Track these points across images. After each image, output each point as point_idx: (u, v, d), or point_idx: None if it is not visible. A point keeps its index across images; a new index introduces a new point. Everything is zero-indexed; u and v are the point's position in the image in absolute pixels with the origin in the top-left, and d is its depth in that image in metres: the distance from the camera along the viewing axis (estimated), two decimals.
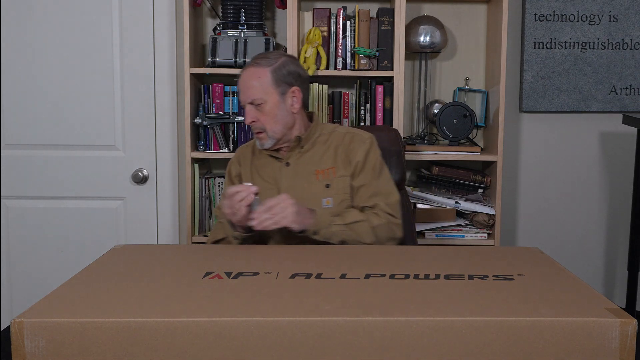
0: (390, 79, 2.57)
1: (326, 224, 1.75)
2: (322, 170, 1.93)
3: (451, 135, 2.60)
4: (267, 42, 2.53)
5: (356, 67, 2.57)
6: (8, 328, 1.27)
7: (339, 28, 2.56)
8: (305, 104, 2.00)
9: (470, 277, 1.26)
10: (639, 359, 1.04)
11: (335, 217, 1.79)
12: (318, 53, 2.53)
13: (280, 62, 1.93)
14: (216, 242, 1.95)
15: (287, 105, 1.93)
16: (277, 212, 1.68)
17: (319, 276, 1.27)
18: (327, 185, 1.91)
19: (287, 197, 1.70)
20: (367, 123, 2.61)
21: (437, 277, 1.27)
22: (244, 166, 2.03)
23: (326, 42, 2.57)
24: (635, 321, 1.03)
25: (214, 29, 2.62)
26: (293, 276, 1.27)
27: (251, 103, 1.90)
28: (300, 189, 1.91)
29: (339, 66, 2.57)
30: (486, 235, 2.58)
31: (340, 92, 2.63)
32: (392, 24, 2.54)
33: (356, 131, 2.01)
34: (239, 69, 2.50)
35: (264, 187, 1.93)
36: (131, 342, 1.04)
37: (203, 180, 2.62)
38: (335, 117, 2.61)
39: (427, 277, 1.27)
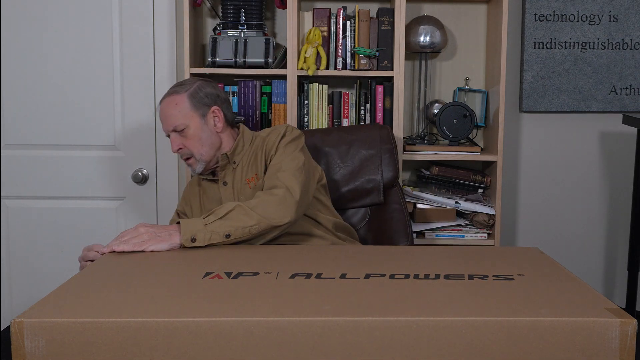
0: (390, 79, 2.57)
1: (200, 227, 1.64)
2: (251, 178, 1.95)
3: (451, 135, 2.60)
4: (267, 42, 2.53)
5: (356, 67, 2.57)
6: (8, 328, 1.27)
7: (339, 28, 2.56)
8: (229, 121, 2.02)
9: (470, 277, 1.26)
10: (639, 359, 1.04)
11: (209, 216, 1.69)
12: (318, 53, 2.53)
13: (195, 86, 1.97)
14: None
15: (210, 127, 1.96)
16: (129, 239, 1.58)
17: (318, 276, 1.27)
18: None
19: (141, 225, 1.63)
20: (367, 123, 2.61)
21: (437, 277, 1.27)
22: (192, 201, 2.07)
23: (326, 42, 2.57)
24: (635, 321, 1.03)
25: (214, 29, 2.62)
26: (293, 276, 1.27)
27: (174, 130, 1.93)
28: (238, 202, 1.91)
29: (339, 66, 2.57)
30: (486, 235, 2.58)
31: (340, 92, 2.63)
32: (392, 24, 2.55)
33: (274, 127, 2.02)
34: (239, 69, 2.52)
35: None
36: (131, 342, 1.04)
37: None
38: (335, 117, 2.61)
39: (427, 277, 1.27)
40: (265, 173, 1.92)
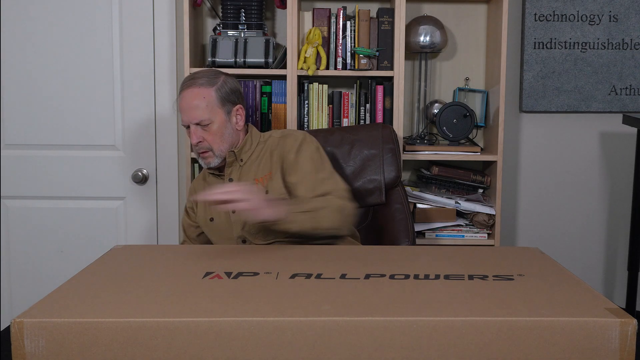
0: (390, 79, 2.57)
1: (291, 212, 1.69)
2: (260, 178, 1.95)
3: (451, 135, 2.60)
4: (267, 42, 2.53)
5: (356, 67, 2.57)
6: (8, 328, 1.27)
7: (339, 28, 2.56)
8: (246, 120, 2.04)
9: (470, 277, 1.26)
10: (639, 359, 1.04)
11: (293, 205, 1.73)
12: (318, 53, 2.53)
13: (222, 80, 1.97)
14: None
15: (232, 124, 1.97)
16: (248, 197, 1.57)
17: (319, 276, 1.27)
18: (267, 192, 1.92)
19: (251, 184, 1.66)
20: (367, 123, 2.61)
21: (437, 277, 1.27)
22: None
23: (326, 42, 2.57)
24: (635, 321, 1.03)
25: (214, 29, 2.62)
26: (293, 276, 1.27)
27: (197, 124, 1.91)
28: None
29: (339, 66, 2.57)
30: (486, 235, 2.58)
31: (340, 92, 2.63)
32: (392, 24, 2.54)
33: (290, 131, 2.03)
34: (239, 69, 2.52)
35: (218, 212, 1.97)
36: (131, 342, 1.04)
37: None
38: (335, 117, 2.61)
39: (427, 277, 1.27)
40: (282, 175, 1.92)
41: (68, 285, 1.23)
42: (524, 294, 1.17)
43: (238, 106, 1.98)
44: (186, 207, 2.13)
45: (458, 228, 2.59)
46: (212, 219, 2.00)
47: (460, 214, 2.64)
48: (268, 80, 2.61)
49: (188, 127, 1.95)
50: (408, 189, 2.60)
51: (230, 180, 1.98)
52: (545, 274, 1.31)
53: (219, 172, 2.03)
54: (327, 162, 1.98)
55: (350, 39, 2.57)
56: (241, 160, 1.99)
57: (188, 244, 2.09)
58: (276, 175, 1.93)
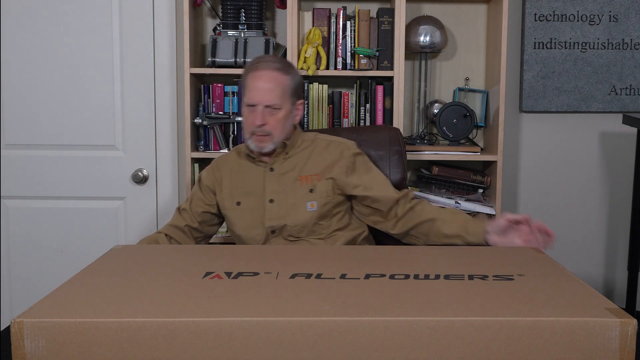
0: (390, 79, 2.57)
1: None
2: (305, 176, 1.96)
3: (451, 135, 2.60)
4: (267, 42, 2.53)
5: (356, 67, 2.57)
6: (8, 328, 1.27)
7: (339, 28, 2.56)
8: None
9: (470, 277, 1.26)
10: (639, 359, 1.04)
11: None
12: (318, 53, 2.53)
13: (294, 71, 1.98)
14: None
15: (292, 116, 1.98)
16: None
17: (318, 276, 1.27)
18: (311, 190, 1.95)
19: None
20: (367, 123, 2.61)
21: (437, 277, 1.27)
22: (223, 177, 2.04)
23: (326, 42, 2.57)
24: (635, 321, 1.03)
25: (214, 29, 2.62)
26: (293, 276, 1.27)
27: (266, 106, 1.90)
28: (284, 193, 1.96)
29: (339, 66, 2.57)
30: None
31: (340, 92, 2.63)
32: (392, 24, 2.55)
33: (339, 139, 2.06)
34: (239, 69, 2.51)
35: (247, 197, 1.98)
36: (131, 342, 1.04)
37: None
38: (335, 117, 2.61)
39: (427, 277, 1.27)
40: (334, 178, 1.96)
41: (68, 285, 1.23)
42: (524, 294, 1.17)
43: (301, 100, 2.01)
44: (202, 182, 2.07)
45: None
46: (239, 203, 1.99)
47: None
48: None
49: (251, 106, 1.91)
50: (407, 188, 2.60)
51: (272, 170, 1.98)
52: (545, 274, 1.30)
53: (257, 158, 2.01)
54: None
55: (350, 39, 2.57)
56: (287, 153, 1.99)
57: (183, 216, 2.05)
58: (324, 178, 1.96)
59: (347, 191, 1.97)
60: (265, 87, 1.89)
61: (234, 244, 2.12)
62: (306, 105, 2.58)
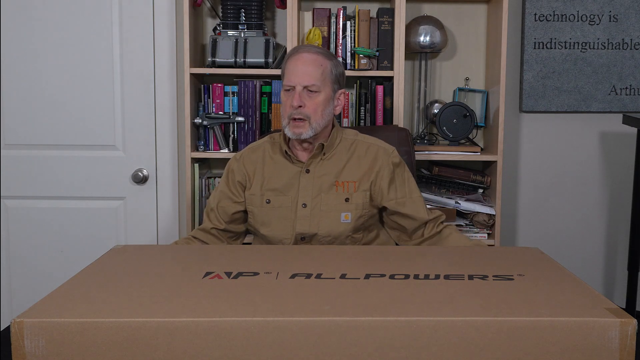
0: (390, 79, 2.57)
1: None
2: (342, 182, 1.89)
3: (451, 135, 2.60)
4: (267, 42, 2.53)
5: (356, 67, 2.57)
6: (8, 328, 1.27)
7: (339, 28, 2.56)
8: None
9: (470, 277, 1.26)
10: (638, 359, 1.04)
11: None
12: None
13: (336, 60, 1.92)
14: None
15: (333, 105, 1.90)
16: None
17: (318, 276, 1.27)
18: (347, 199, 1.88)
19: None
20: (367, 123, 2.61)
21: (437, 277, 1.27)
22: (256, 172, 1.95)
23: (326, 42, 2.57)
24: (635, 321, 1.03)
25: (214, 29, 2.62)
26: (293, 276, 1.27)
27: (305, 87, 1.83)
28: (318, 199, 1.88)
29: None
30: (486, 235, 2.58)
31: None
32: (392, 24, 2.55)
33: (379, 144, 1.98)
34: (239, 69, 2.52)
35: (278, 196, 1.90)
36: (131, 342, 1.04)
37: (203, 180, 2.61)
38: (335, 117, 2.61)
39: (427, 277, 1.27)
40: (371, 188, 1.90)
41: (68, 286, 1.23)
42: (524, 294, 1.18)
43: (343, 90, 1.94)
44: (233, 175, 1.96)
45: (458, 228, 2.59)
46: (268, 201, 1.90)
47: (460, 214, 2.64)
48: (268, 80, 2.61)
49: (289, 90, 1.85)
50: None
51: (307, 171, 1.90)
52: (545, 274, 1.31)
53: (293, 156, 1.92)
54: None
55: (350, 39, 2.57)
56: (324, 154, 1.91)
57: (210, 218, 1.96)
58: (364, 187, 1.89)
59: (382, 203, 1.91)
60: (304, 68, 1.83)
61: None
62: None
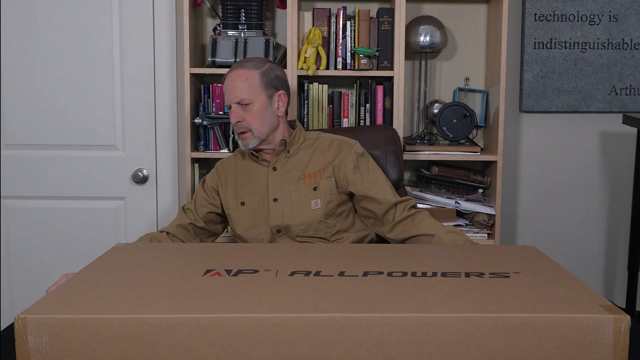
0: (390, 79, 2.58)
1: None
2: (308, 175, 1.99)
3: (451, 135, 2.60)
4: (267, 42, 2.54)
5: (356, 67, 2.58)
6: (8, 327, 1.28)
7: (339, 28, 2.57)
8: (286, 112, 2.05)
9: (467, 275, 1.27)
10: (632, 355, 1.05)
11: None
12: (318, 53, 2.54)
13: (267, 66, 2.00)
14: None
15: (273, 108, 1.99)
16: None
17: (317, 274, 1.28)
18: (315, 188, 1.97)
19: None
20: (367, 123, 2.62)
21: (434, 274, 1.28)
22: (227, 178, 2.07)
23: (326, 42, 2.58)
24: (628, 317, 1.04)
25: (214, 29, 2.63)
26: (292, 274, 1.28)
27: (238, 103, 1.95)
28: (287, 192, 1.98)
29: (339, 66, 2.58)
30: (486, 235, 2.59)
31: (340, 92, 2.64)
32: (392, 24, 2.55)
33: (342, 138, 2.07)
34: None
35: (251, 197, 2.01)
36: (133, 338, 1.05)
37: None
38: (335, 117, 2.62)
39: (424, 274, 1.28)
40: (336, 176, 1.98)
41: (71, 283, 1.24)
42: (520, 291, 1.18)
43: (281, 92, 2.01)
44: (205, 183, 2.11)
45: (458, 228, 2.60)
46: (243, 203, 2.02)
47: (460, 214, 2.65)
48: None
49: (230, 107, 1.98)
50: (408, 189, 2.61)
51: (274, 169, 2.00)
52: (541, 272, 1.31)
53: (261, 158, 2.04)
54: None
55: (350, 39, 2.58)
56: (288, 151, 2.01)
57: (188, 215, 2.07)
58: (328, 174, 1.98)
59: (348, 188, 1.99)
60: (231, 87, 1.96)
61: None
62: (306, 105, 2.59)
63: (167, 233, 2.02)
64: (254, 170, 2.04)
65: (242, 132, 1.96)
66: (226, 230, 2.22)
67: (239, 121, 1.95)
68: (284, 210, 1.97)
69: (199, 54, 2.70)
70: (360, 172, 1.99)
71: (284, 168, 2.00)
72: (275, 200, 1.98)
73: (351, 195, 2.03)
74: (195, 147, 2.60)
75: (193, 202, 2.10)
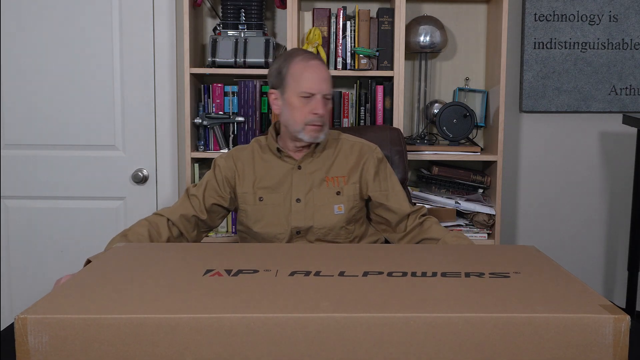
0: (390, 79, 2.58)
1: None
2: (331, 177, 1.96)
3: (451, 135, 2.61)
4: (267, 42, 2.54)
5: (356, 67, 2.58)
6: (8, 327, 1.28)
7: (339, 28, 2.58)
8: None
9: (467, 275, 1.27)
10: (632, 355, 1.05)
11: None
12: (318, 53, 2.54)
13: None
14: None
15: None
16: None
17: (317, 274, 1.28)
18: (338, 193, 1.94)
19: None
20: (367, 123, 2.62)
21: (434, 274, 1.28)
22: (245, 170, 1.98)
23: (326, 42, 2.58)
24: (628, 317, 1.04)
25: (214, 29, 2.63)
26: (292, 274, 1.28)
27: (324, 96, 1.90)
28: (311, 194, 1.94)
29: (339, 66, 2.58)
30: (486, 235, 2.59)
31: (340, 92, 2.64)
32: (392, 24, 2.56)
33: (363, 141, 2.05)
34: (239, 69, 2.53)
35: (270, 193, 1.94)
36: (133, 338, 1.05)
37: None
38: (335, 117, 2.63)
39: (424, 274, 1.28)
40: (360, 182, 1.96)
41: (71, 282, 1.24)
42: (520, 291, 1.18)
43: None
44: (219, 169, 1.98)
45: (458, 228, 2.60)
46: (261, 199, 1.94)
47: (460, 214, 2.65)
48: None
49: (306, 97, 1.89)
50: (408, 189, 2.61)
51: (299, 167, 1.95)
52: (540, 272, 1.31)
53: (284, 152, 1.97)
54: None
55: (350, 39, 2.58)
56: (314, 151, 1.97)
57: (193, 204, 1.94)
58: (353, 180, 1.96)
59: (367, 193, 1.97)
60: (324, 77, 1.90)
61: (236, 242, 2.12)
62: None
63: (168, 220, 1.89)
64: (275, 165, 1.97)
65: (319, 125, 1.89)
66: (226, 230, 2.21)
67: (323, 114, 1.90)
68: (306, 211, 1.92)
69: (199, 54, 2.70)
70: (379, 178, 1.98)
71: (309, 168, 1.96)
72: (298, 200, 1.93)
73: (367, 200, 2.01)
74: (195, 147, 2.60)
75: (202, 188, 1.96)
